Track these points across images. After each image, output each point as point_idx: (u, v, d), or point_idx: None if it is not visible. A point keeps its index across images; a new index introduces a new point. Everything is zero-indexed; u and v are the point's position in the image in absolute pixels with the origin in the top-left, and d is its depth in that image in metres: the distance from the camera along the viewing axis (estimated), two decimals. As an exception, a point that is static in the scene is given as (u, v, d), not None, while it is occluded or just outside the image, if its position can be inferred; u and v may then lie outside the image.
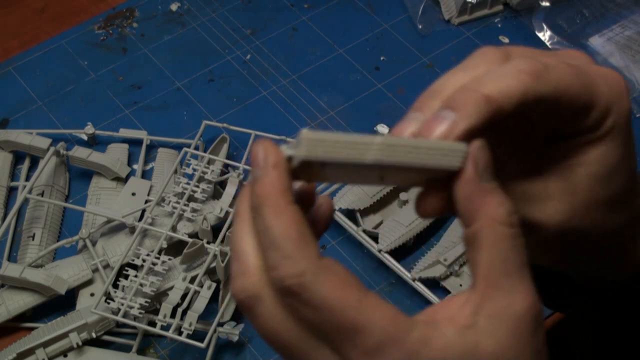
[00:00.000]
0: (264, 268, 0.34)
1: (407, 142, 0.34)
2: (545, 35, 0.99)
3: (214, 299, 0.74)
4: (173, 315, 0.72)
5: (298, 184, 0.36)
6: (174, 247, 0.77)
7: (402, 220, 0.80)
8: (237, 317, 0.76)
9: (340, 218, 0.80)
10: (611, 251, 0.43)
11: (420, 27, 1.00)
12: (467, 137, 0.35)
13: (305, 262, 0.33)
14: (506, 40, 1.00)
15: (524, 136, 0.40)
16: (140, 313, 0.72)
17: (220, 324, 0.74)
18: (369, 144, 0.33)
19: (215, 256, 0.74)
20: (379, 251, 0.78)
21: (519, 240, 0.34)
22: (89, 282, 0.77)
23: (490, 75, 0.36)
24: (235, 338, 0.74)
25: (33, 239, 0.80)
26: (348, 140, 0.33)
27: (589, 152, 0.38)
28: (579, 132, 0.38)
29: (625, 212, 0.41)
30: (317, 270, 0.33)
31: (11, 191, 0.86)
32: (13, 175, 0.87)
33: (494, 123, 0.35)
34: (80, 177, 0.87)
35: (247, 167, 0.81)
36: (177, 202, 0.78)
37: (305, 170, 0.34)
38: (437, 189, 0.36)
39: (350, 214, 0.81)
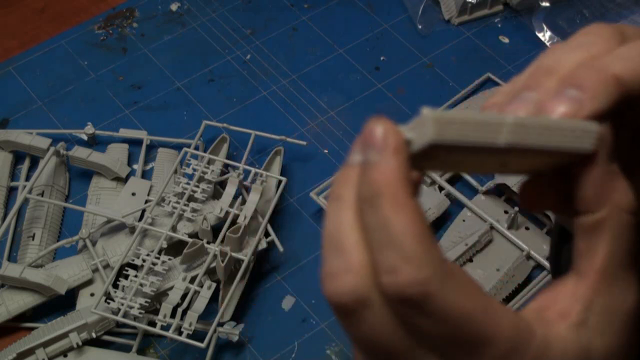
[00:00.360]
0: (372, 268, 0.29)
1: (539, 122, 0.31)
2: (545, 36, 0.99)
3: (214, 299, 0.74)
4: (173, 315, 0.72)
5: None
6: (174, 247, 0.77)
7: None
8: (237, 317, 0.76)
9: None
10: None
11: (420, 27, 1.00)
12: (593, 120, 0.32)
13: (431, 267, 0.28)
14: (506, 40, 1.00)
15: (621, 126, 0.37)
16: (140, 313, 0.72)
17: (220, 324, 0.74)
18: (500, 124, 0.30)
19: (215, 256, 0.74)
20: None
21: (638, 230, 0.32)
22: (89, 282, 0.77)
23: (619, 55, 0.33)
24: (235, 338, 0.74)
25: (33, 239, 0.80)
26: (478, 120, 0.30)
27: None
28: None
29: None
30: (444, 277, 0.28)
31: (11, 191, 0.86)
32: (13, 175, 0.87)
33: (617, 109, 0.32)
34: (80, 177, 0.87)
35: (247, 167, 0.81)
36: (177, 202, 0.78)
37: (425, 157, 0.30)
38: (552, 180, 0.33)
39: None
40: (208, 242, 0.76)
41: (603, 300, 0.31)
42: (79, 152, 0.84)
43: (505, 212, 0.82)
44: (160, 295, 0.75)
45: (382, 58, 0.98)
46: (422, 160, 0.30)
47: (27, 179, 0.86)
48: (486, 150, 0.30)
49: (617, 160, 0.32)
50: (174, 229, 0.77)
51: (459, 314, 0.29)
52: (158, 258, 0.74)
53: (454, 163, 0.33)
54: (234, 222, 0.77)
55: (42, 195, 0.83)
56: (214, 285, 0.73)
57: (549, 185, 0.34)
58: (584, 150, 0.32)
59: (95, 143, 0.89)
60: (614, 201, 0.32)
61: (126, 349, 0.75)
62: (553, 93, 0.33)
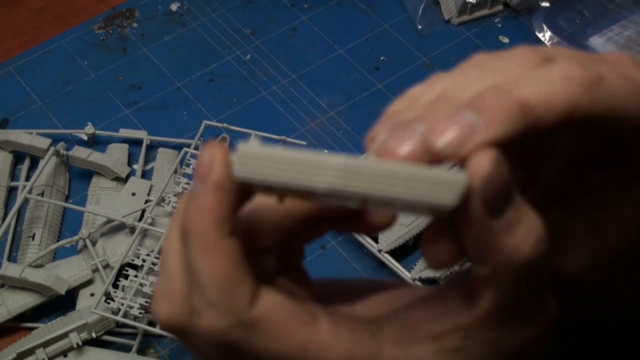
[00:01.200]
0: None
1: (379, 167, 0.25)
2: (545, 36, 0.99)
3: (214, 299, 0.74)
4: (173, 315, 0.72)
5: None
6: (174, 247, 0.77)
7: (402, 220, 0.80)
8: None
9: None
10: (609, 298, 0.35)
11: (420, 27, 1.00)
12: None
13: (231, 317, 0.27)
14: (506, 40, 1.00)
15: (546, 156, 0.32)
16: (140, 313, 0.72)
17: (220, 324, 0.74)
18: (323, 165, 0.26)
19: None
20: (379, 251, 0.78)
21: (546, 269, 0.27)
22: (89, 282, 0.77)
23: (530, 78, 0.28)
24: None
25: (33, 239, 0.80)
26: (295, 158, 0.26)
27: (634, 190, 0.30)
28: (627, 164, 0.30)
29: None
30: (247, 326, 0.27)
31: (11, 191, 0.86)
32: (13, 175, 0.87)
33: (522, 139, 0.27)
34: (80, 177, 0.87)
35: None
36: (177, 202, 0.78)
37: (255, 192, 0.28)
38: (448, 228, 0.28)
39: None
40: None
41: (490, 335, 0.28)
42: (79, 152, 0.84)
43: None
44: (160, 295, 0.75)
45: (382, 58, 0.98)
46: (257, 191, 0.28)
47: (27, 179, 0.86)
48: (313, 194, 0.26)
49: (511, 206, 0.26)
50: (174, 229, 0.77)
51: (271, 356, 0.27)
52: (158, 258, 0.74)
53: (294, 198, 0.29)
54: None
55: (42, 195, 0.83)
56: (214, 285, 0.73)
57: (447, 235, 0.28)
58: (442, 205, 0.26)
59: (95, 143, 0.89)
60: (499, 259, 0.26)
61: (126, 349, 0.75)
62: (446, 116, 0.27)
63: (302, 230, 0.31)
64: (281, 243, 0.30)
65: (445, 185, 0.25)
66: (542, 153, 0.32)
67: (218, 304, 0.27)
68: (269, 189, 0.27)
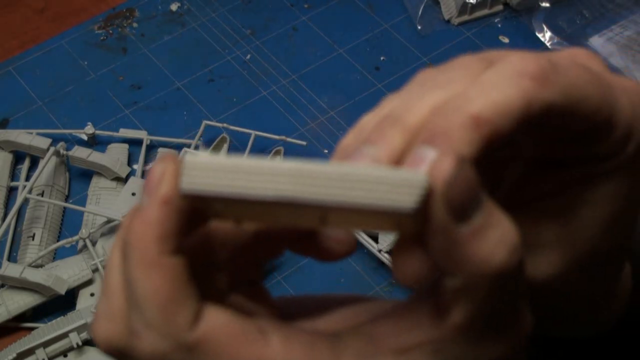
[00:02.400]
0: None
1: (334, 170, 0.24)
2: (545, 36, 0.99)
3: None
4: (173, 315, 0.72)
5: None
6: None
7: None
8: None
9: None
10: (581, 311, 0.34)
11: (420, 27, 1.00)
12: None
13: (170, 339, 0.25)
14: (506, 40, 1.00)
15: (510, 158, 0.30)
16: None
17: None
18: (274, 172, 0.24)
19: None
20: (379, 251, 0.78)
21: (521, 277, 0.26)
22: (89, 282, 0.77)
23: (477, 87, 0.25)
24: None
25: (33, 239, 0.80)
26: (244, 167, 0.24)
27: (598, 187, 0.28)
28: (589, 159, 0.28)
29: (615, 271, 0.32)
30: (188, 347, 0.25)
31: (11, 191, 0.86)
32: (13, 175, 0.87)
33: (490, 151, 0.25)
34: (80, 177, 0.87)
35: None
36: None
37: (205, 207, 0.26)
38: (415, 241, 0.26)
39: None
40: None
41: (461, 350, 0.26)
42: (79, 152, 0.84)
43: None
44: (160, 295, 0.75)
45: (382, 58, 0.98)
46: (209, 210, 0.26)
47: (27, 179, 0.86)
48: (265, 205, 0.25)
49: (482, 211, 0.24)
50: (174, 229, 0.77)
51: None
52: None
53: (250, 214, 0.27)
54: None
55: (42, 195, 0.83)
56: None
57: (417, 251, 0.26)
58: (401, 209, 0.23)
59: (95, 143, 0.89)
60: (469, 269, 0.24)
61: (126, 349, 0.75)
62: (397, 152, 0.26)
63: (256, 247, 0.29)
64: (235, 259, 0.29)
65: (404, 187, 0.23)
66: (505, 155, 0.30)
67: (157, 325, 0.25)
68: (220, 204, 0.25)
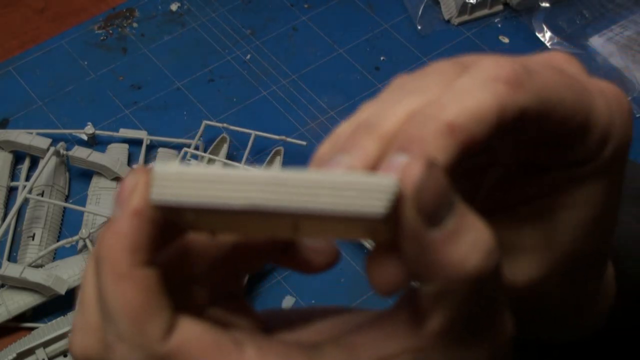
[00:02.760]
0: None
1: (301, 178, 0.24)
2: (545, 36, 0.99)
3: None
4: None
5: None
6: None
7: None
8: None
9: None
10: (565, 314, 0.34)
11: (420, 27, 1.00)
12: None
13: (142, 351, 0.25)
14: (506, 40, 1.00)
15: (488, 163, 0.30)
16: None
17: (220, 324, 0.74)
18: (244, 181, 0.24)
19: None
20: (379, 251, 0.78)
21: (498, 281, 0.25)
22: (89, 282, 0.77)
23: (451, 94, 0.25)
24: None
25: (33, 239, 0.80)
26: (214, 176, 0.24)
27: (577, 191, 0.28)
28: (567, 163, 0.28)
29: (597, 275, 0.32)
30: (160, 359, 0.25)
31: (11, 191, 0.86)
32: (13, 175, 0.87)
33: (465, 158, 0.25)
34: (80, 177, 0.87)
35: (247, 167, 0.81)
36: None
37: (177, 218, 0.26)
38: (389, 249, 0.26)
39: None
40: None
41: (441, 357, 0.26)
42: (79, 152, 0.84)
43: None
44: (160, 295, 0.75)
45: (382, 58, 0.98)
46: (181, 222, 0.26)
47: (27, 179, 0.86)
48: (232, 213, 0.24)
49: (456, 215, 0.24)
50: (174, 229, 0.77)
51: None
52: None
53: (226, 225, 0.27)
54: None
55: (42, 195, 0.83)
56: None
57: (392, 258, 0.26)
58: (370, 214, 0.23)
59: (95, 143, 0.89)
60: (444, 274, 0.24)
61: (126, 349, 0.75)
62: (371, 159, 0.25)
63: (235, 260, 0.29)
64: (214, 272, 0.29)
65: (373, 192, 0.23)
66: (481, 161, 0.30)
67: (129, 337, 0.25)
68: (192, 214, 0.25)
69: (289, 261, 0.29)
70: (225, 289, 0.30)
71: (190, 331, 0.26)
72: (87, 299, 0.27)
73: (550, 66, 0.27)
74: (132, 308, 0.25)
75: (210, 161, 0.82)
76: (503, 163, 0.30)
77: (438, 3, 1.01)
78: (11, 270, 0.74)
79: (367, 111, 0.27)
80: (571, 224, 0.29)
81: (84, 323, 0.27)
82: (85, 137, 0.89)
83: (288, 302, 0.79)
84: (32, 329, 0.75)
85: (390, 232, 0.25)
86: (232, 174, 0.24)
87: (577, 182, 0.28)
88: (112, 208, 0.26)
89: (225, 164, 0.83)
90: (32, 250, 0.80)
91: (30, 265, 0.77)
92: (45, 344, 0.72)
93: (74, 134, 0.89)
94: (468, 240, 0.24)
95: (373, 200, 0.23)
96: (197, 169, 0.24)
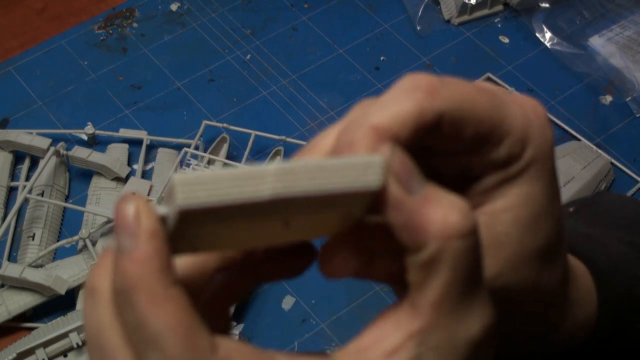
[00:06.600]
0: None
1: (308, 164, 0.26)
2: (545, 36, 0.99)
3: (214, 299, 0.74)
4: (173, 315, 0.72)
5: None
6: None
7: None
8: (237, 316, 0.76)
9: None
10: (539, 318, 0.36)
11: (420, 27, 1.00)
12: None
13: None
14: (506, 40, 1.00)
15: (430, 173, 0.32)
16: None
17: (220, 324, 0.74)
18: (261, 175, 0.26)
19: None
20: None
21: (479, 244, 0.28)
22: (89, 282, 0.77)
23: (377, 103, 0.29)
24: (235, 338, 0.74)
25: (33, 239, 0.80)
26: (235, 174, 0.25)
27: (510, 192, 0.32)
28: (493, 166, 0.32)
29: (555, 268, 0.34)
30: None
31: (11, 191, 0.86)
32: (13, 175, 0.87)
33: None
34: (80, 177, 0.87)
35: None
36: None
37: (186, 233, 0.27)
38: (350, 237, 0.29)
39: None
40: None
41: (441, 333, 0.27)
42: (79, 152, 0.84)
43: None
44: (160, 295, 0.75)
45: (382, 58, 0.98)
46: (183, 238, 0.27)
47: (27, 179, 0.86)
48: (254, 210, 0.26)
49: (430, 180, 0.28)
50: (174, 229, 0.77)
51: None
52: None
53: (226, 236, 0.28)
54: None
55: (42, 195, 0.83)
56: (214, 285, 0.73)
57: (349, 246, 0.29)
58: (372, 186, 0.27)
59: (95, 143, 0.89)
60: (436, 234, 0.27)
61: (126, 349, 0.75)
62: None
63: (224, 293, 0.30)
64: (203, 313, 0.29)
65: (369, 167, 0.27)
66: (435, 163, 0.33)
67: (180, 356, 0.25)
68: (210, 214, 0.26)
69: (272, 270, 0.31)
70: (214, 329, 0.29)
71: (230, 345, 0.26)
72: (108, 347, 0.27)
73: (465, 81, 0.31)
74: (180, 325, 0.25)
75: (210, 161, 0.82)
76: (443, 174, 0.33)
77: (438, 3, 1.02)
78: (11, 270, 0.74)
79: (316, 137, 0.31)
80: (512, 222, 0.32)
81: None
82: (85, 137, 0.89)
83: (288, 302, 0.79)
84: (32, 329, 0.75)
85: (362, 213, 0.28)
86: (246, 171, 0.26)
87: (508, 184, 0.32)
88: (115, 239, 0.26)
89: (225, 164, 0.83)
90: (32, 250, 0.80)
91: (30, 265, 0.77)
92: (45, 344, 0.72)
93: (74, 134, 0.89)
94: (444, 203, 0.27)
95: (372, 175, 0.27)
96: (213, 172, 0.25)
